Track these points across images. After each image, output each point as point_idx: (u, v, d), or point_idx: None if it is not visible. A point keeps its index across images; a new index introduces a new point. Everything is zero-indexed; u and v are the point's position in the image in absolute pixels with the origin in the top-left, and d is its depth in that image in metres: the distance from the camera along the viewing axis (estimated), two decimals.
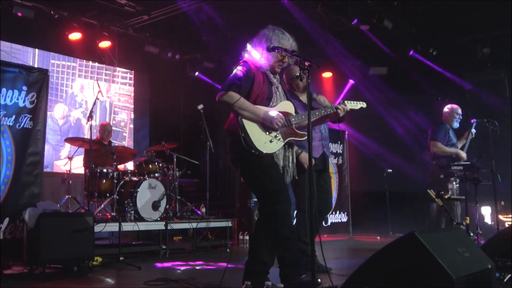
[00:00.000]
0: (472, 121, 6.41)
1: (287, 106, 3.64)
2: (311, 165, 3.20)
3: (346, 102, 3.96)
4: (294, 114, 3.64)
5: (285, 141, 3.55)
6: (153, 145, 8.11)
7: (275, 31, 3.62)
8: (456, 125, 6.42)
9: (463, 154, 6.20)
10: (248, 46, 3.65)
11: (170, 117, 10.32)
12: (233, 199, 8.94)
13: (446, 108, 6.48)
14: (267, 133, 3.46)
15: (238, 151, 3.44)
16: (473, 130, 6.35)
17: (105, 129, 7.28)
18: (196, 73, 10.21)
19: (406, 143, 10.12)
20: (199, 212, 7.33)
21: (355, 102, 4.01)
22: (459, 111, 6.42)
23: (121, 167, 7.06)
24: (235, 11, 8.32)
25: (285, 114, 3.57)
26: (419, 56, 9.46)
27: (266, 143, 3.44)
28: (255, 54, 3.59)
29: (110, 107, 9.55)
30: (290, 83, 4.82)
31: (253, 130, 3.41)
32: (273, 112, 3.45)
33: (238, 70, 3.52)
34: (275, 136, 3.49)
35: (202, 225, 6.74)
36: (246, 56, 3.65)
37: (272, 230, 3.43)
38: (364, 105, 4.07)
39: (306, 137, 3.60)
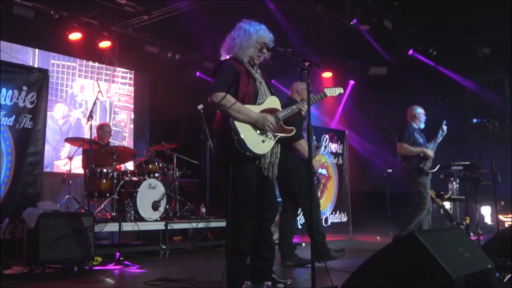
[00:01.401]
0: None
1: (274, 102, 3.65)
2: (311, 165, 3.22)
3: (325, 89, 4.07)
4: (281, 109, 3.66)
5: (276, 139, 3.57)
6: (153, 145, 8.10)
7: (252, 23, 3.63)
8: (422, 125, 6.46)
9: (430, 152, 6.23)
10: (227, 41, 3.67)
11: (170, 117, 10.31)
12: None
13: (411, 109, 6.53)
14: (259, 133, 3.47)
15: (228, 152, 3.42)
16: (444, 127, 6.38)
17: (103, 129, 7.28)
18: (197, 74, 10.23)
19: None
20: (200, 213, 7.33)
21: (333, 88, 4.11)
22: (423, 111, 6.47)
23: (120, 167, 7.06)
24: (234, 11, 8.30)
25: (273, 110, 3.59)
26: (419, 56, 9.46)
27: (259, 143, 3.46)
28: (235, 49, 3.59)
29: (110, 107, 9.55)
30: (292, 92, 5.20)
31: (246, 132, 3.41)
32: (264, 114, 3.48)
33: (223, 69, 3.52)
34: (267, 135, 3.50)
35: (202, 225, 6.74)
36: (224, 52, 3.66)
37: (230, 239, 3.48)
38: (341, 90, 4.17)
39: (293, 132, 3.66)
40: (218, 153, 3.60)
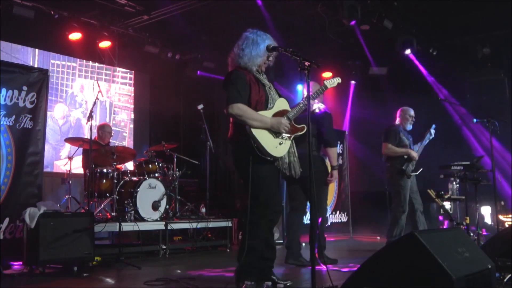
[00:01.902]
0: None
1: (283, 104, 3.79)
2: (311, 166, 3.23)
3: (325, 82, 4.24)
4: (289, 109, 3.78)
5: (291, 139, 3.72)
6: (153, 145, 8.10)
7: (257, 32, 3.76)
8: (409, 127, 6.50)
9: (414, 153, 6.28)
10: (234, 52, 3.77)
11: (170, 117, 10.31)
12: (233, 199, 8.94)
13: (401, 110, 6.57)
14: (275, 136, 3.63)
15: (246, 154, 3.55)
16: (432, 131, 6.44)
17: (103, 129, 7.28)
18: (198, 73, 10.23)
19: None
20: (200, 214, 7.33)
21: (332, 80, 4.28)
22: (412, 113, 6.51)
23: (120, 167, 7.05)
24: (233, 11, 8.32)
25: (284, 112, 3.73)
26: (418, 56, 9.45)
27: (277, 146, 3.62)
28: (245, 59, 3.70)
29: (110, 107, 9.55)
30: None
31: (263, 137, 3.56)
32: (278, 118, 3.63)
33: (235, 80, 3.63)
34: (283, 137, 3.66)
35: (202, 225, 6.74)
36: (232, 62, 3.77)
37: (244, 236, 3.63)
38: (339, 80, 4.33)
39: (305, 129, 3.73)
40: (236, 158, 3.73)
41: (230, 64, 3.80)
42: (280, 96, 3.83)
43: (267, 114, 3.64)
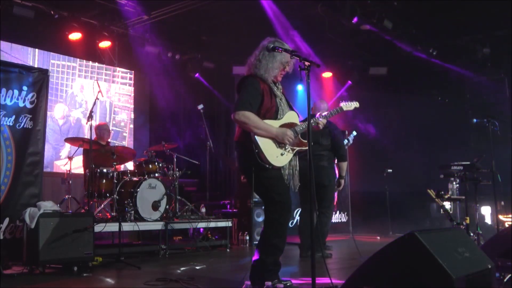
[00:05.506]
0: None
1: (292, 117, 3.81)
2: (311, 167, 3.24)
3: (342, 104, 4.26)
4: (298, 123, 3.81)
5: (294, 152, 3.74)
6: (153, 145, 8.10)
7: (275, 42, 3.74)
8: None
9: None
10: (251, 60, 3.78)
11: (170, 117, 10.31)
12: (233, 199, 8.94)
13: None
14: (278, 146, 3.64)
15: (249, 163, 3.60)
16: (353, 134, 6.89)
17: (101, 129, 7.27)
18: (196, 75, 10.23)
19: (406, 143, 10.12)
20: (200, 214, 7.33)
21: (349, 103, 4.28)
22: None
23: (120, 167, 7.05)
24: (233, 11, 8.32)
25: (292, 125, 3.75)
26: (419, 56, 9.45)
27: (278, 156, 3.64)
28: (261, 70, 3.71)
29: (110, 107, 9.55)
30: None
31: (266, 146, 3.58)
32: (284, 129, 3.64)
33: (248, 87, 3.65)
34: (285, 149, 3.68)
35: (202, 225, 6.74)
36: (249, 69, 3.78)
37: (265, 235, 3.68)
38: (357, 105, 4.34)
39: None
40: (241, 163, 3.77)
41: (247, 71, 3.81)
42: (291, 108, 3.85)
43: (275, 124, 3.66)
